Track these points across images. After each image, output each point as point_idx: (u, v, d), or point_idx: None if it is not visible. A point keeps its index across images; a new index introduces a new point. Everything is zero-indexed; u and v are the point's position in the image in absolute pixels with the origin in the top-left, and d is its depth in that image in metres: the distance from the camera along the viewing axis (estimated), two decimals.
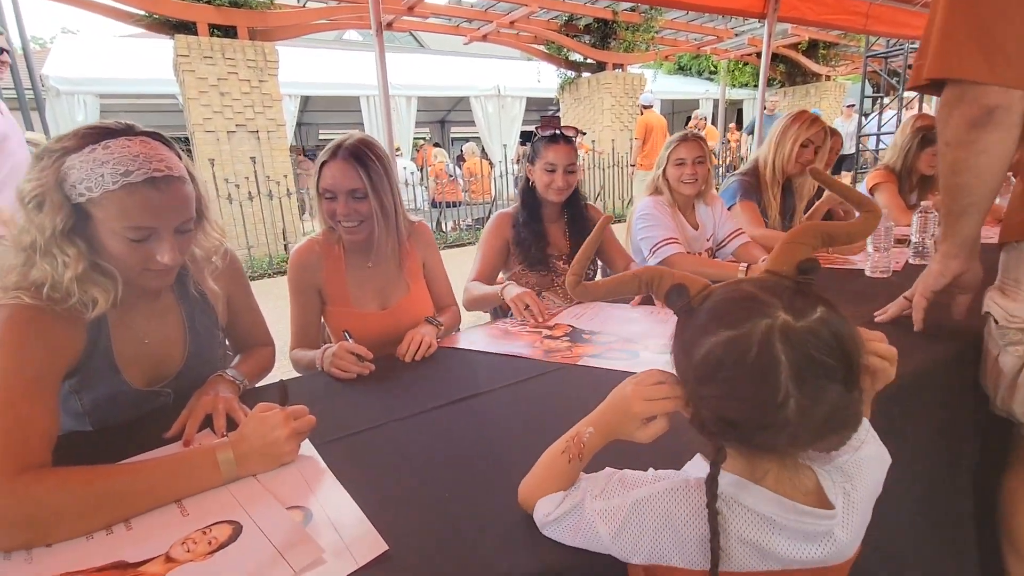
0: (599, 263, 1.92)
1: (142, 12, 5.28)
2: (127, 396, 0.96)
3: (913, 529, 1.06)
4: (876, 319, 1.22)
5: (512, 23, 7.45)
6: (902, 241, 2.05)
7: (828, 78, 10.42)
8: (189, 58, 5.17)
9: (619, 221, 5.63)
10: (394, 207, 1.29)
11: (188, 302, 1.05)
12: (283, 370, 1.29)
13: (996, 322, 1.00)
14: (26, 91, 7.64)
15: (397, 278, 1.40)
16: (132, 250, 0.83)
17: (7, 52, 2.78)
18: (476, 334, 1.42)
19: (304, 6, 6.51)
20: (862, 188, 2.77)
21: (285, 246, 5.81)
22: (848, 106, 9.12)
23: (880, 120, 6.45)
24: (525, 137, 10.60)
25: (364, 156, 1.22)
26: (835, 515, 0.53)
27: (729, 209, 2.15)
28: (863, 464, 0.58)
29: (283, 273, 5.55)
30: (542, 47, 8.63)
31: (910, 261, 1.81)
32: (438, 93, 10.06)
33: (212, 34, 5.35)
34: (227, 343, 1.18)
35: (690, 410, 0.54)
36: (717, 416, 0.50)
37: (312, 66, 8.17)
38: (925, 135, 2.45)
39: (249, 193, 5.42)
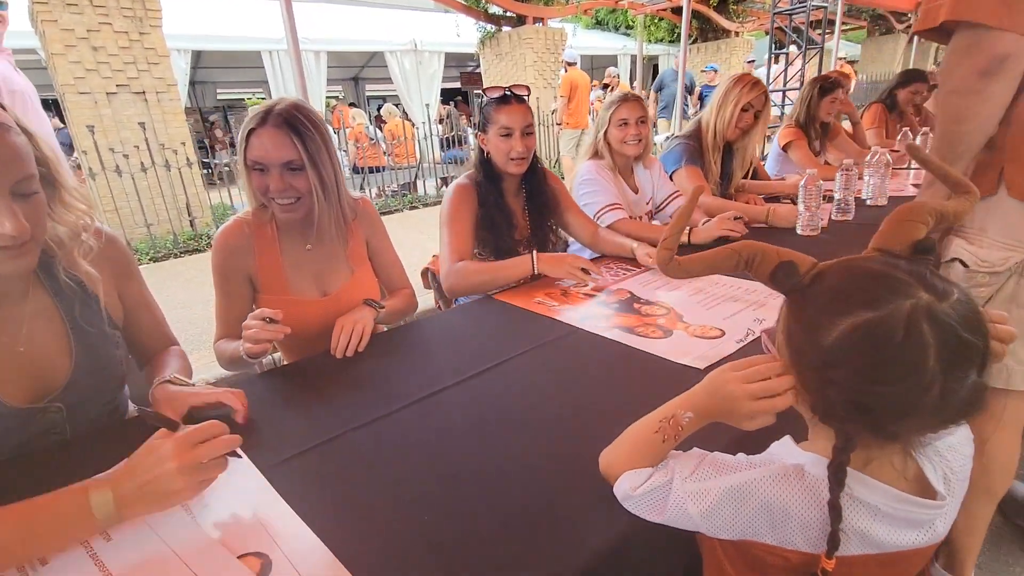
0: (560, 232, 1.83)
1: None
2: (4, 418, 0.80)
3: None
4: None
5: None
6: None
7: (737, 34, 10.78)
8: (48, 6, 4.39)
9: None
10: (335, 181, 1.16)
11: (64, 297, 0.87)
12: (207, 365, 1.14)
13: (965, 265, 1.06)
14: None
15: (339, 261, 1.27)
16: None
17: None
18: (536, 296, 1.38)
19: None
20: (773, 145, 2.92)
21: (191, 222, 5.27)
22: (748, 62, 9.41)
23: (786, 76, 6.78)
24: (447, 96, 10.16)
25: (298, 123, 1.07)
26: (943, 505, 0.53)
27: (673, 174, 2.16)
28: (956, 445, 0.58)
29: (191, 252, 5.06)
30: None
31: (834, 217, 1.91)
32: (350, 48, 9.33)
33: None
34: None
35: (808, 396, 0.52)
36: (851, 402, 0.47)
37: (203, 16, 7.26)
38: (822, 84, 2.66)
39: (142, 164, 4.81)
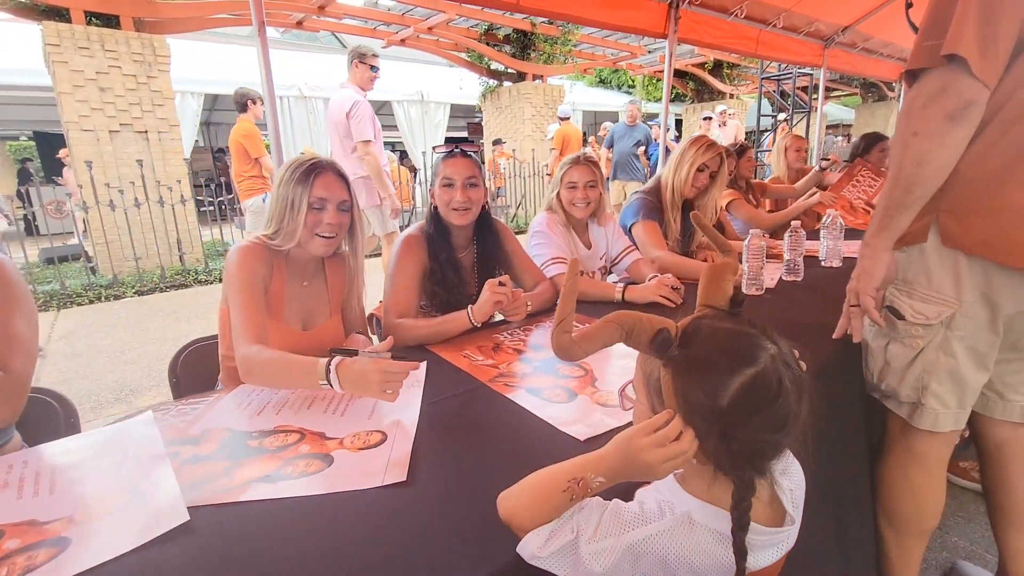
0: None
1: None
2: None
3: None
4: (834, 337, 1.23)
5: (430, 29, 7.35)
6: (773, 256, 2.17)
7: (732, 96, 11.18)
8: (60, 48, 4.63)
9: None
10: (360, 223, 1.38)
11: None
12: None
13: (901, 317, 1.09)
14: None
15: (323, 302, 1.40)
16: None
17: None
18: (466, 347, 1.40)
19: None
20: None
21: (180, 257, 5.33)
22: (704, 119, 8.43)
23: (775, 138, 7.00)
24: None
25: (344, 173, 1.31)
26: (797, 523, 0.59)
27: (631, 227, 2.18)
28: (788, 466, 0.65)
29: (176, 287, 5.08)
30: (463, 54, 8.60)
31: (784, 278, 1.91)
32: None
33: (89, 23, 4.83)
34: None
35: (709, 452, 0.56)
36: (749, 453, 0.54)
37: (221, 62, 7.61)
38: (736, 149, 2.96)
39: (136, 199, 4.92)
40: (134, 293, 4.79)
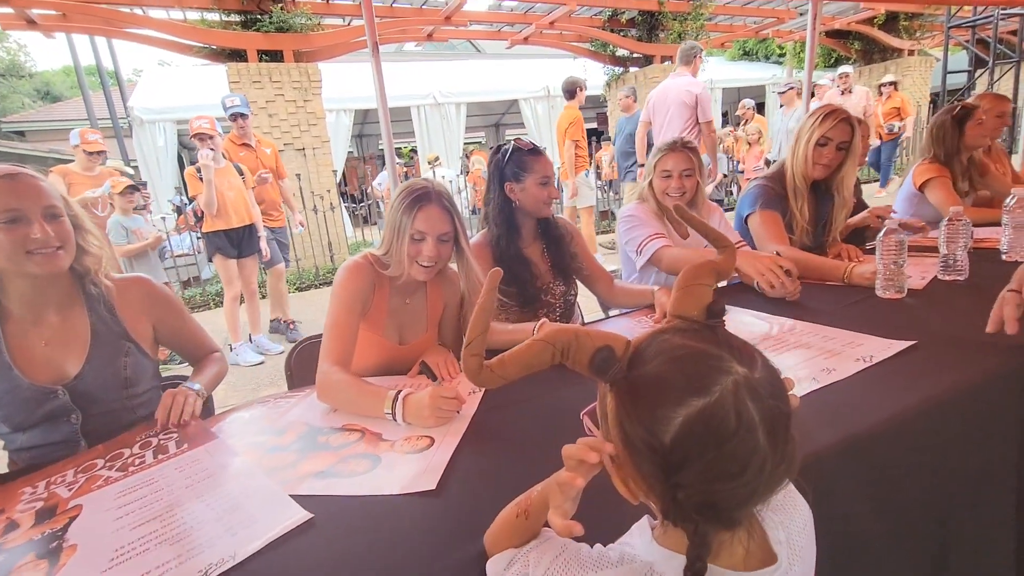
0: (577, 283, 1.80)
1: (199, 44, 5.70)
2: (24, 390, 1.08)
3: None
4: (988, 331, 1.04)
5: (552, 23, 7.33)
6: (928, 249, 1.78)
7: (911, 52, 9.38)
8: (240, 84, 5.52)
9: None
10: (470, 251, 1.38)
11: (94, 309, 1.18)
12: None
13: None
14: (120, 120, 8.48)
15: (421, 318, 1.44)
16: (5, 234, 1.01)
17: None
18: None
19: (349, 24, 6.75)
20: (906, 184, 2.46)
21: (331, 257, 6.06)
22: (781, 91, 6.54)
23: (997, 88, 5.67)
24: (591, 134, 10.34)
25: (452, 202, 1.32)
26: (779, 565, 0.51)
27: (747, 218, 1.96)
28: (785, 504, 0.56)
29: (329, 284, 5.79)
30: (587, 45, 8.44)
31: (940, 277, 1.56)
32: (488, 98, 10.10)
33: (260, 59, 5.68)
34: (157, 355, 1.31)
35: (656, 499, 0.48)
36: (700, 503, 0.45)
37: (367, 80, 8.44)
38: (953, 115, 2.24)
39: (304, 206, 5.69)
40: (295, 290, 5.56)
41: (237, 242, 3.57)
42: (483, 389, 1.15)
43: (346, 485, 0.83)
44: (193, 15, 5.73)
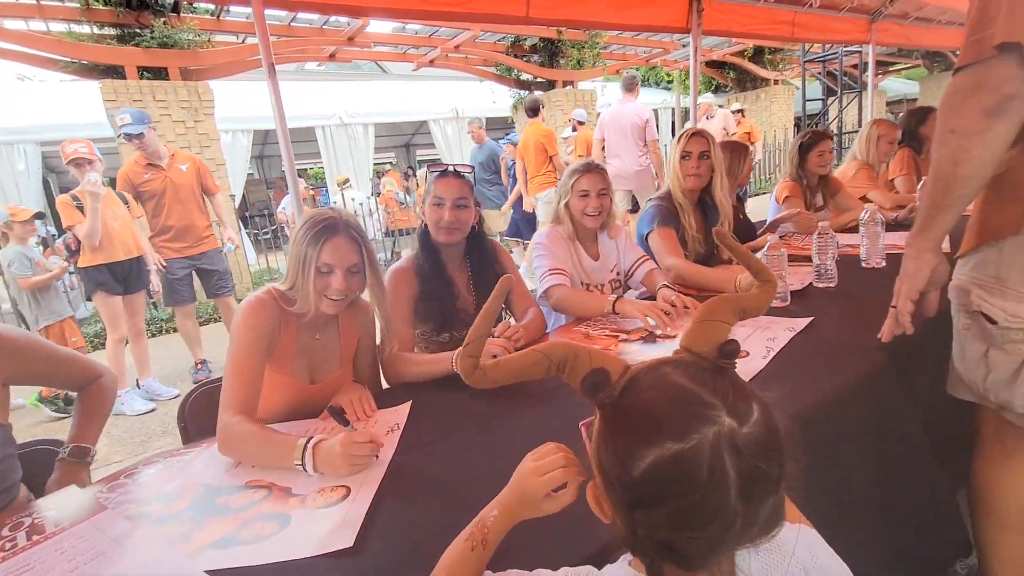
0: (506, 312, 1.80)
1: (68, 59, 5.13)
2: None
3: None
4: (884, 340, 1.15)
5: (457, 47, 7.44)
6: (804, 259, 2.00)
7: (776, 82, 10.61)
8: (117, 102, 5.02)
9: None
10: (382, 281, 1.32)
11: None
12: None
13: (993, 322, 1.00)
14: None
15: (334, 354, 1.35)
16: None
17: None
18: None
19: (243, 42, 6.40)
20: (771, 198, 2.80)
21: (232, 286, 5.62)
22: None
23: (842, 120, 6.51)
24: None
25: (361, 232, 1.25)
26: None
27: (647, 236, 2.09)
28: (774, 548, 0.55)
29: (217, 320, 5.34)
30: (492, 68, 8.65)
31: (815, 284, 1.74)
32: (396, 119, 9.98)
33: (142, 77, 5.21)
34: None
35: (619, 526, 0.48)
36: (659, 543, 0.45)
37: (265, 100, 8.00)
38: (803, 142, 2.68)
39: None
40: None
41: (123, 277, 3.23)
42: (400, 428, 1.11)
43: (250, 553, 0.76)
44: (58, 27, 5.15)
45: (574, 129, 6.37)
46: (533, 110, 5.20)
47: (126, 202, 3.28)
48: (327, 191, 9.16)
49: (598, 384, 0.49)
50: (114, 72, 5.20)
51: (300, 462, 0.95)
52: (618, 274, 1.97)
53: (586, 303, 1.72)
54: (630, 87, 4.90)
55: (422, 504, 0.86)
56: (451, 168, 1.59)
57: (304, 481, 0.94)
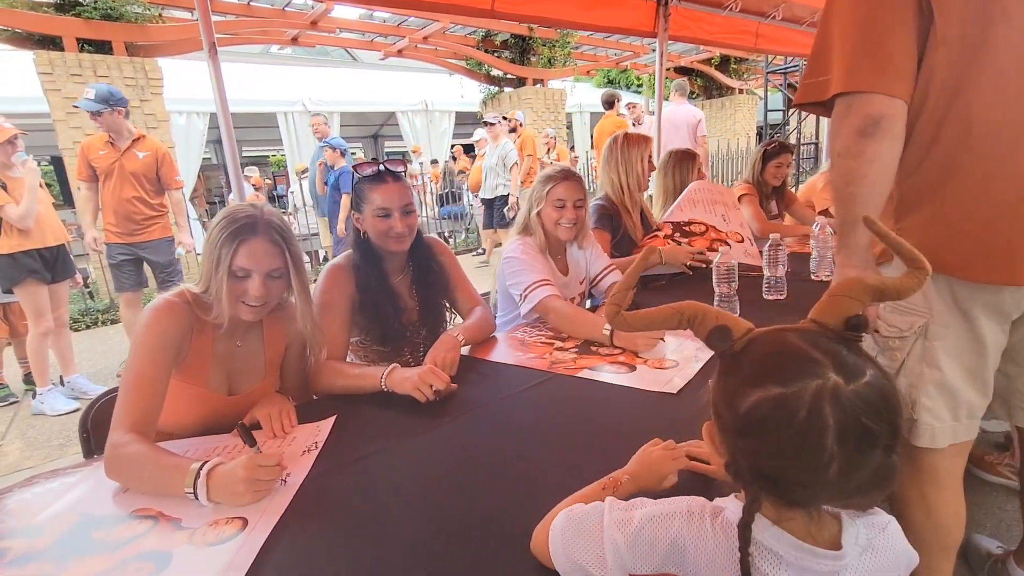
0: (448, 319, 1.69)
1: (0, 27, 4.75)
2: None
3: None
4: None
5: (426, 38, 7.28)
6: (753, 269, 2.02)
7: (741, 91, 10.85)
8: (53, 76, 4.68)
9: None
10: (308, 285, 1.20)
11: None
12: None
13: (876, 331, 1.08)
14: None
15: (257, 362, 1.24)
16: None
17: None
18: (497, 347, 1.51)
19: (198, 20, 6.07)
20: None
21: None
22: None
23: (800, 131, 6.68)
24: (467, 148, 10.22)
25: (285, 233, 1.13)
26: (842, 556, 0.52)
27: None
28: (890, 530, 0.58)
29: None
30: (462, 62, 8.52)
31: (765, 296, 1.73)
32: (364, 108, 9.70)
33: (82, 50, 4.87)
34: None
35: (724, 455, 0.55)
36: (755, 469, 0.51)
37: (231, 81, 7.61)
38: (767, 150, 2.82)
39: None
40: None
41: (51, 264, 3.00)
42: (319, 447, 1.01)
43: None
44: None
45: (511, 132, 6.11)
46: (609, 103, 5.49)
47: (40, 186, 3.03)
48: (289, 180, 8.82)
49: (720, 337, 0.56)
50: (51, 43, 4.84)
51: (192, 490, 0.84)
52: (586, 285, 1.90)
53: (578, 326, 1.54)
54: (682, 91, 5.47)
55: (327, 537, 0.77)
56: (383, 167, 1.42)
57: (197, 511, 0.84)
